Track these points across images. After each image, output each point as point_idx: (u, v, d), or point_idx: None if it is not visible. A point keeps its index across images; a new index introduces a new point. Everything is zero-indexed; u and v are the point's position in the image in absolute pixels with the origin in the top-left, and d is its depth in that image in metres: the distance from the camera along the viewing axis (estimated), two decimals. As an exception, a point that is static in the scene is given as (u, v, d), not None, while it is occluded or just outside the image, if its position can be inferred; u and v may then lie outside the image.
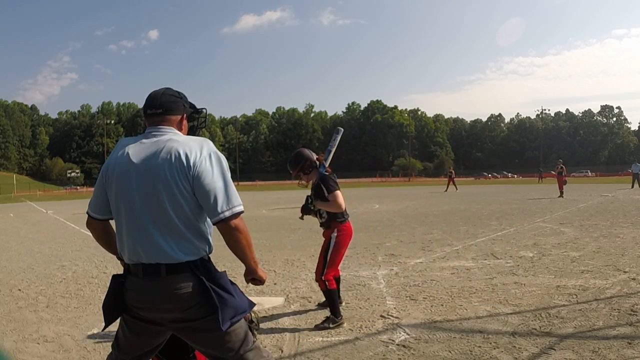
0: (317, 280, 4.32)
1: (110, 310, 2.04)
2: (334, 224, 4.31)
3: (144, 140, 2.01)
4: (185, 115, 2.15)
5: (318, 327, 4.08)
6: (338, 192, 4.18)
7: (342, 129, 4.60)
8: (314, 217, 4.43)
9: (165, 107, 2.06)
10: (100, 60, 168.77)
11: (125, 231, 1.97)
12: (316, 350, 3.61)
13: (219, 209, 1.90)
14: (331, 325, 4.08)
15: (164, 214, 1.91)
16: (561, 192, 20.48)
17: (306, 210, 4.34)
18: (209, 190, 1.90)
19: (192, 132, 2.26)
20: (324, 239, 4.43)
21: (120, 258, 2.10)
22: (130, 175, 1.95)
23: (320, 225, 4.46)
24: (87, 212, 2.15)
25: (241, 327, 2.02)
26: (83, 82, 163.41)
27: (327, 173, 4.31)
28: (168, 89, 2.14)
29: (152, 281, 1.92)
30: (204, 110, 2.32)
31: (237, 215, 1.93)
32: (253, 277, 2.10)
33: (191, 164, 1.90)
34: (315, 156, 4.40)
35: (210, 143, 2.02)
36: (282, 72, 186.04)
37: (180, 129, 2.10)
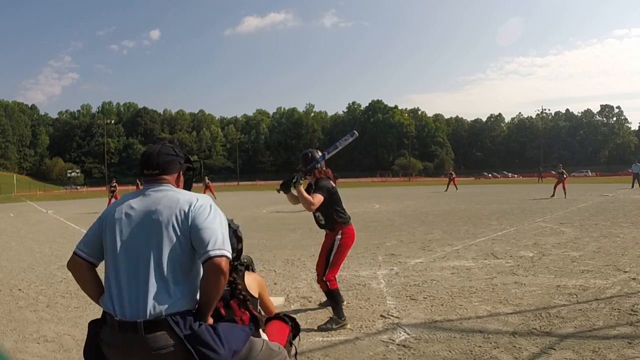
0: (318, 282, 4.34)
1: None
2: (338, 226, 4.34)
3: (145, 193, 2.06)
4: (181, 172, 2.19)
5: (321, 328, 4.08)
6: (320, 197, 4.15)
7: (357, 134, 4.49)
8: (289, 199, 4.40)
9: (161, 167, 2.10)
10: (101, 60, 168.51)
11: (114, 279, 1.93)
12: (316, 350, 3.61)
13: (211, 246, 1.88)
14: (334, 326, 4.08)
15: (158, 263, 1.89)
16: (553, 193, 20.97)
17: (286, 187, 4.21)
18: (204, 228, 1.91)
19: (187, 185, 2.29)
20: (325, 239, 4.44)
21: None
22: (130, 224, 1.97)
23: (322, 227, 4.47)
24: (74, 252, 2.06)
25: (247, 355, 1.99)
26: (84, 82, 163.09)
27: (319, 167, 4.27)
28: (163, 147, 2.17)
29: (128, 337, 1.85)
30: (199, 164, 2.37)
31: (226, 257, 1.90)
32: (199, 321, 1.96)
33: (191, 208, 1.95)
34: (314, 160, 4.34)
35: (210, 199, 2.07)
36: (283, 72, 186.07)
37: (177, 185, 2.15)
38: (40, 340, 4.04)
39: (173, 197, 2.00)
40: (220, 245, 1.90)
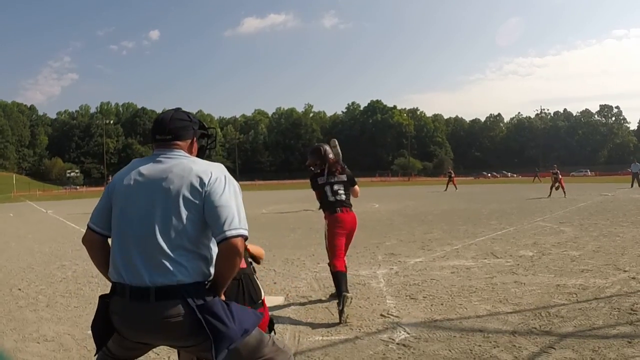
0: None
1: (100, 334, 1.96)
2: (325, 214, 4.80)
3: (157, 159, 1.98)
4: (195, 139, 2.11)
5: (343, 322, 4.20)
6: (314, 192, 4.87)
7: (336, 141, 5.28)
8: None
9: (173, 133, 2.01)
10: (101, 60, 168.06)
11: (119, 247, 1.90)
12: (316, 349, 3.61)
13: (226, 227, 1.82)
14: (339, 307, 4.25)
15: (169, 229, 1.84)
16: (550, 193, 21.13)
17: None
18: (219, 206, 1.84)
19: (201, 152, 2.21)
20: None
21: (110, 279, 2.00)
22: (141, 189, 1.90)
23: None
24: (87, 225, 2.04)
25: (245, 343, 1.90)
26: (84, 82, 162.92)
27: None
28: (176, 112, 2.08)
29: (139, 305, 1.82)
30: (214, 131, 2.27)
31: (243, 237, 1.85)
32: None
33: (205, 182, 1.86)
34: (327, 155, 4.89)
35: (224, 168, 1.99)
36: (282, 72, 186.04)
37: (190, 152, 2.06)
38: (40, 339, 4.04)
39: (186, 166, 1.90)
40: (236, 224, 1.83)
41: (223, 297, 1.95)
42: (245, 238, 1.87)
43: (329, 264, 4.66)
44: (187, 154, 2.02)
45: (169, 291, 1.80)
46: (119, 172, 2.04)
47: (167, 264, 1.82)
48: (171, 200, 1.85)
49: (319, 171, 4.86)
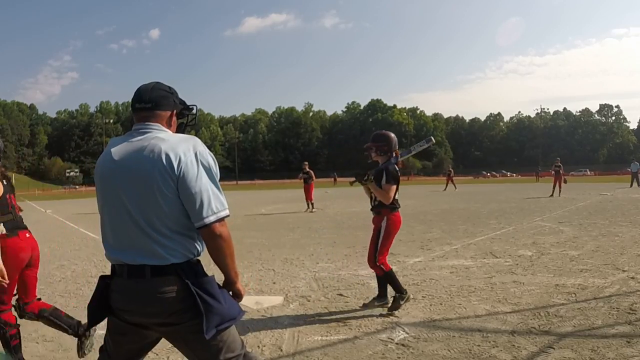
0: (371, 267, 4.64)
1: (95, 311, 1.99)
2: (385, 211, 4.55)
3: (130, 140, 1.93)
4: (175, 112, 2.06)
5: (391, 309, 4.36)
6: (393, 187, 4.44)
7: (434, 140, 5.08)
8: (365, 191, 4.74)
9: (154, 101, 1.97)
10: (101, 60, 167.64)
11: (110, 233, 1.94)
12: (315, 349, 3.61)
13: (204, 214, 1.82)
14: (401, 302, 4.38)
15: (148, 214, 1.83)
16: (552, 192, 20.60)
17: (359, 178, 4.47)
18: (194, 193, 1.81)
19: (180, 130, 2.17)
20: (373, 225, 4.74)
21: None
22: (114, 175, 1.89)
23: (371, 210, 4.74)
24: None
25: (228, 334, 1.94)
26: (84, 82, 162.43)
27: (396, 166, 4.57)
28: (158, 83, 2.05)
29: (136, 283, 1.86)
30: (195, 108, 2.19)
31: (221, 220, 1.86)
32: (231, 291, 2.01)
33: (175, 165, 1.80)
34: (396, 146, 4.76)
35: (199, 142, 1.92)
36: (282, 71, 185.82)
37: (169, 126, 2.02)
38: (40, 339, 4.04)
39: (155, 146, 1.83)
40: (214, 208, 1.83)
41: (238, 279, 2.00)
42: (225, 216, 1.88)
43: (380, 265, 4.50)
44: (163, 128, 1.98)
45: (164, 269, 1.85)
46: (99, 158, 2.03)
47: (158, 248, 1.84)
48: (146, 186, 1.82)
49: (376, 160, 4.68)
